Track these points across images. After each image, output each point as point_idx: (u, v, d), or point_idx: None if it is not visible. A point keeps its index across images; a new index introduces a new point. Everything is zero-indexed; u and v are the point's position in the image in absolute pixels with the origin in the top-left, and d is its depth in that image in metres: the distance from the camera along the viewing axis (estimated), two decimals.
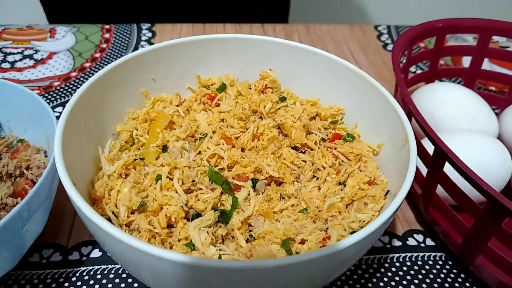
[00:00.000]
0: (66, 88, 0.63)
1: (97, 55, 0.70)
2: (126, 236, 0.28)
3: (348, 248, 0.28)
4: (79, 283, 0.41)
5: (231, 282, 0.29)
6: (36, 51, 0.69)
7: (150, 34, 0.76)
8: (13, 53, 0.68)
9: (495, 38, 0.62)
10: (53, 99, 0.61)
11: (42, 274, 0.41)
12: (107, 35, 0.74)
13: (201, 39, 0.47)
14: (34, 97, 0.44)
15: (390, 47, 0.79)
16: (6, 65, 0.66)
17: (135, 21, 0.78)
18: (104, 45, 0.72)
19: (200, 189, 0.39)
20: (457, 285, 0.44)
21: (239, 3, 0.88)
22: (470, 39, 0.82)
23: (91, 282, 0.41)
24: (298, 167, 0.42)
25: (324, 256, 0.26)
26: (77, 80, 0.64)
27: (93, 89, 0.40)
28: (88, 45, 0.72)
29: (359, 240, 0.28)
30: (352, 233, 0.35)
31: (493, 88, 0.70)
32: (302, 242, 0.34)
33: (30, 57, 0.68)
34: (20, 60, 0.67)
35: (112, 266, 0.42)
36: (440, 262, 0.46)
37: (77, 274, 0.42)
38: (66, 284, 0.41)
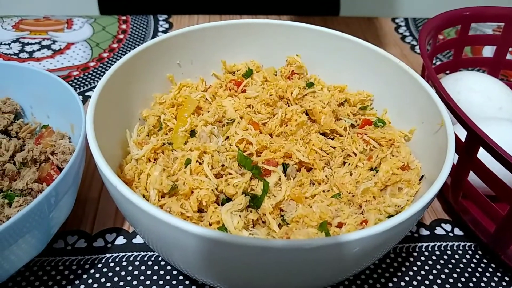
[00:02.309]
0: (85, 77, 0.62)
1: (115, 45, 0.69)
2: (165, 214, 0.27)
3: (394, 228, 0.27)
4: (105, 269, 0.40)
5: (267, 262, 0.28)
6: (54, 42, 0.69)
7: (167, 26, 0.75)
8: (31, 43, 0.68)
9: None
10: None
11: (67, 260, 0.41)
12: (124, 26, 0.74)
13: (226, 24, 0.47)
14: (59, 82, 0.44)
15: (408, 39, 0.79)
16: (24, 55, 0.65)
17: (151, 13, 0.78)
18: (121, 36, 0.71)
19: (230, 174, 0.38)
20: (488, 274, 0.43)
21: None
22: (489, 32, 0.81)
23: (117, 268, 0.40)
24: (327, 153, 0.42)
25: (373, 235, 0.26)
26: (95, 70, 0.64)
27: (121, 72, 0.40)
28: (106, 36, 0.71)
29: (405, 220, 0.27)
30: (389, 217, 0.35)
31: None
32: (340, 225, 0.34)
33: (48, 47, 0.67)
34: (38, 50, 0.66)
35: (138, 253, 0.42)
36: (470, 252, 0.45)
37: (103, 261, 0.41)
38: (92, 271, 0.40)
